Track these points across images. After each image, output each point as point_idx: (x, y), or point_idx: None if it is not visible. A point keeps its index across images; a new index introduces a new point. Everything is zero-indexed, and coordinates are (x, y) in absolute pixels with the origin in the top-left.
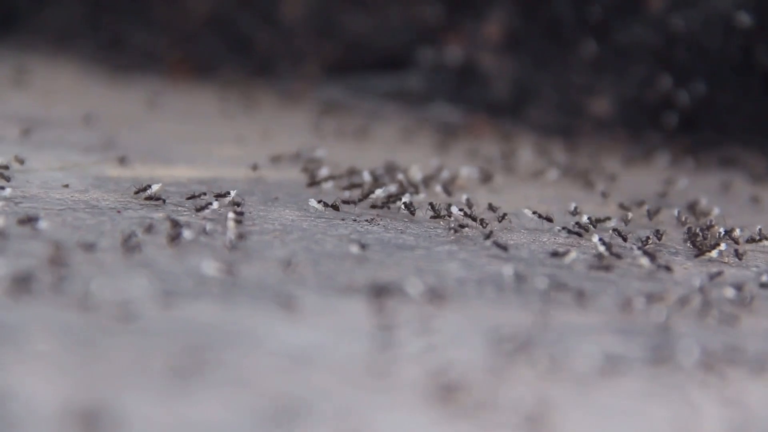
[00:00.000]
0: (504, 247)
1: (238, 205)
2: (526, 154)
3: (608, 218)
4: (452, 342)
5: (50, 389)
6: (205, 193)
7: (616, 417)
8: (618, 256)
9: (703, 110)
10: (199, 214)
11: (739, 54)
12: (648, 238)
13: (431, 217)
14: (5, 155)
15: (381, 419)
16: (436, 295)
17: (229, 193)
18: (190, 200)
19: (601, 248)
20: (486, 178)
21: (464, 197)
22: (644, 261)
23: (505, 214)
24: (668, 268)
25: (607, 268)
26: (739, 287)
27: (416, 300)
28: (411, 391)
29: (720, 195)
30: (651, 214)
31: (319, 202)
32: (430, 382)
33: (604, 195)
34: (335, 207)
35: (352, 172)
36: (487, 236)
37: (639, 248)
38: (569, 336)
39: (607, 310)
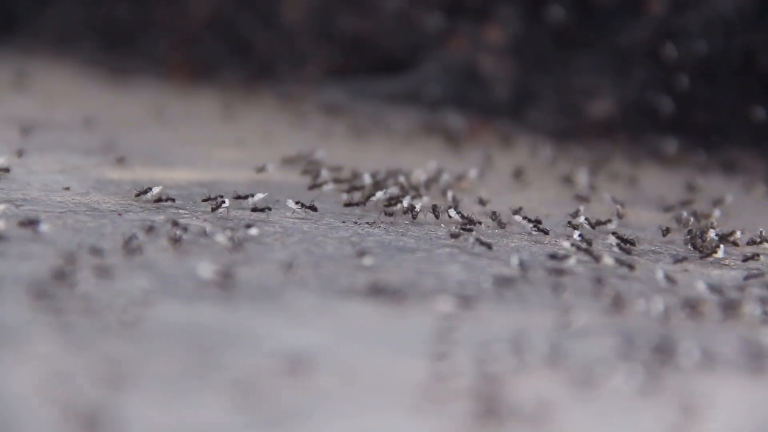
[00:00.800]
0: (488, 245)
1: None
2: (524, 157)
3: (609, 221)
4: (454, 344)
5: (51, 391)
6: (222, 196)
7: (616, 417)
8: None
9: (703, 112)
10: (215, 212)
11: (740, 57)
12: (622, 237)
13: (462, 225)
14: (5, 156)
15: (382, 422)
16: (465, 304)
17: (253, 195)
18: (206, 202)
19: (568, 245)
20: (517, 174)
21: (450, 195)
22: (608, 259)
23: (521, 208)
24: (631, 267)
25: (560, 272)
26: (715, 288)
27: (446, 314)
28: (413, 394)
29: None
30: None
31: (297, 203)
32: (431, 385)
33: (615, 200)
34: (313, 208)
35: (354, 174)
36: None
37: (617, 242)
38: (569, 337)
39: (607, 310)
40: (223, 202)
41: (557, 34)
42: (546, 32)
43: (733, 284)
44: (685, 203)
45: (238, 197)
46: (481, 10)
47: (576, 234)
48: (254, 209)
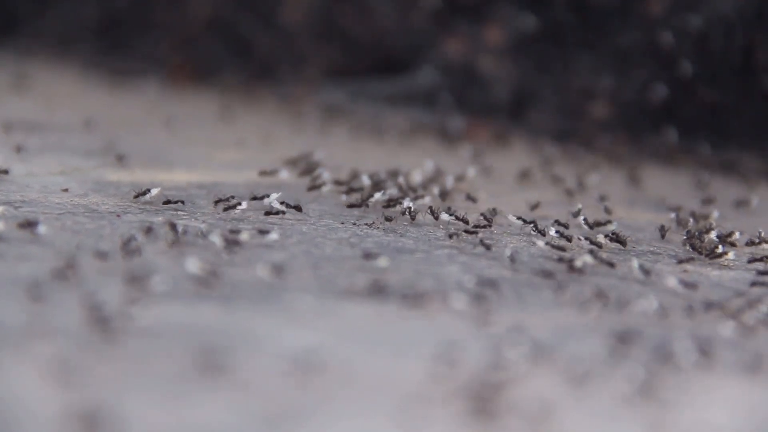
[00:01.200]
0: (487, 246)
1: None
2: (525, 158)
3: (609, 221)
4: (453, 344)
5: (52, 391)
6: (233, 196)
7: (616, 417)
8: (562, 249)
9: (703, 113)
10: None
11: (741, 56)
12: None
13: (470, 229)
14: (3, 157)
15: (381, 424)
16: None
17: (268, 195)
18: (219, 203)
19: (540, 243)
20: (523, 175)
21: (436, 190)
22: (587, 258)
23: (539, 203)
24: (611, 264)
25: (549, 275)
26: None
27: (463, 312)
28: (412, 396)
29: (725, 198)
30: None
31: (282, 203)
32: (431, 387)
33: (601, 198)
34: (298, 208)
35: (354, 175)
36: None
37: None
38: (569, 337)
39: (607, 310)
40: (239, 203)
41: (555, 34)
42: (546, 33)
43: (732, 285)
44: (705, 202)
45: (255, 198)
46: (480, 11)
47: (553, 231)
48: (267, 213)
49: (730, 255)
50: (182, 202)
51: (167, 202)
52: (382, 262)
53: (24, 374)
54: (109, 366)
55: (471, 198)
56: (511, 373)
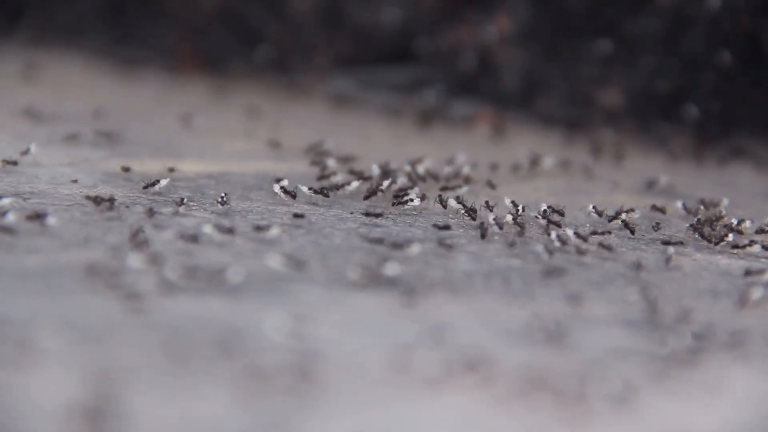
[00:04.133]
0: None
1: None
2: (536, 145)
3: (632, 209)
4: (463, 336)
5: (55, 385)
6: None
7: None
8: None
9: (712, 101)
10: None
11: (748, 43)
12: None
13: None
14: (14, 150)
15: (389, 414)
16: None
17: (349, 183)
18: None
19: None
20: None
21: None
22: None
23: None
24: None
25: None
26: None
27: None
28: (421, 385)
29: (729, 186)
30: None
31: (281, 188)
32: (441, 377)
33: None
34: (293, 195)
35: (351, 159)
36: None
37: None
38: (576, 328)
39: (615, 301)
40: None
41: (564, 23)
42: (554, 20)
43: (740, 274)
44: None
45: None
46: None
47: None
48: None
49: (755, 248)
50: (303, 216)
51: (296, 216)
52: (415, 248)
53: (29, 368)
54: (114, 358)
55: (467, 180)
56: (520, 363)
